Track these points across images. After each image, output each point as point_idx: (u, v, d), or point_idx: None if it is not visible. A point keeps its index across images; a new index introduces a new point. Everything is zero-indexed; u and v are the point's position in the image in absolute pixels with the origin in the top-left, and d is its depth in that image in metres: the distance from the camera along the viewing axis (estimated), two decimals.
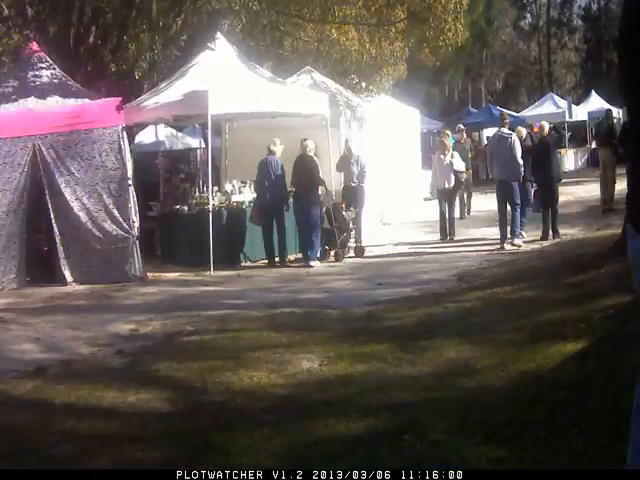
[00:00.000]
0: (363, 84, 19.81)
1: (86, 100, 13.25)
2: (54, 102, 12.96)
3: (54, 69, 13.68)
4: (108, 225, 13.02)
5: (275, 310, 10.29)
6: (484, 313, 9.06)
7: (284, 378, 7.14)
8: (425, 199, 24.87)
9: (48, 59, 13.87)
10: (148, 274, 13.38)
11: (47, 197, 12.82)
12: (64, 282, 12.88)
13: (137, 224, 13.10)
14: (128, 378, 7.39)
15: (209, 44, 15.58)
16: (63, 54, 16.18)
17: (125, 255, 13.04)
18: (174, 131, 25.71)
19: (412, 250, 15.54)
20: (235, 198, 14.99)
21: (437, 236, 16.86)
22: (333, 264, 14.60)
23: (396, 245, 16.07)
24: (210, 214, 13.67)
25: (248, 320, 9.80)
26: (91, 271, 13.13)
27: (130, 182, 13.02)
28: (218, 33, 16.03)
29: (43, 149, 12.48)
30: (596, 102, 38.63)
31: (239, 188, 15.44)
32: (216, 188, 15.33)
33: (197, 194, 15.28)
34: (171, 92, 14.61)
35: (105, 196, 12.98)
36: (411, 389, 6.54)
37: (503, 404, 5.85)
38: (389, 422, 5.79)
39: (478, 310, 9.30)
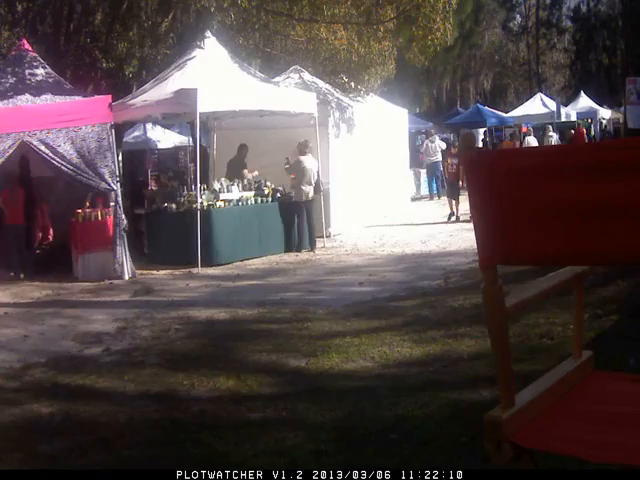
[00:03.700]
0: (352, 84, 19.76)
1: (76, 98, 13.21)
2: (44, 99, 12.91)
3: (44, 67, 13.63)
4: None
5: (263, 308, 10.36)
6: (469, 311, 9.08)
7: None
8: (412, 199, 24.93)
9: (38, 57, 13.83)
10: (136, 271, 13.39)
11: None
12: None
13: (125, 222, 13.09)
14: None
15: (198, 42, 15.55)
16: (53, 52, 16.13)
17: (113, 252, 13.05)
18: (163, 129, 25.66)
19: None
20: (223, 196, 14.92)
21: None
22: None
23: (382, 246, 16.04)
24: (198, 212, 13.67)
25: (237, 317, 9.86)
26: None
27: (118, 179, 13.00)
28: (207, 32, 15.99)
29: (32, 145, 12.42)
30: (585, 103, 38.78)
31: (227, 186, 15.38)
32: (204, 186, 15.28)
33: (185, 192, 15.23)
34: (160, 90, 14.55)
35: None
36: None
37: (489, 403, 5.87)
38: (375, 421, 5.80)
39: (464, 308, 9.32)
